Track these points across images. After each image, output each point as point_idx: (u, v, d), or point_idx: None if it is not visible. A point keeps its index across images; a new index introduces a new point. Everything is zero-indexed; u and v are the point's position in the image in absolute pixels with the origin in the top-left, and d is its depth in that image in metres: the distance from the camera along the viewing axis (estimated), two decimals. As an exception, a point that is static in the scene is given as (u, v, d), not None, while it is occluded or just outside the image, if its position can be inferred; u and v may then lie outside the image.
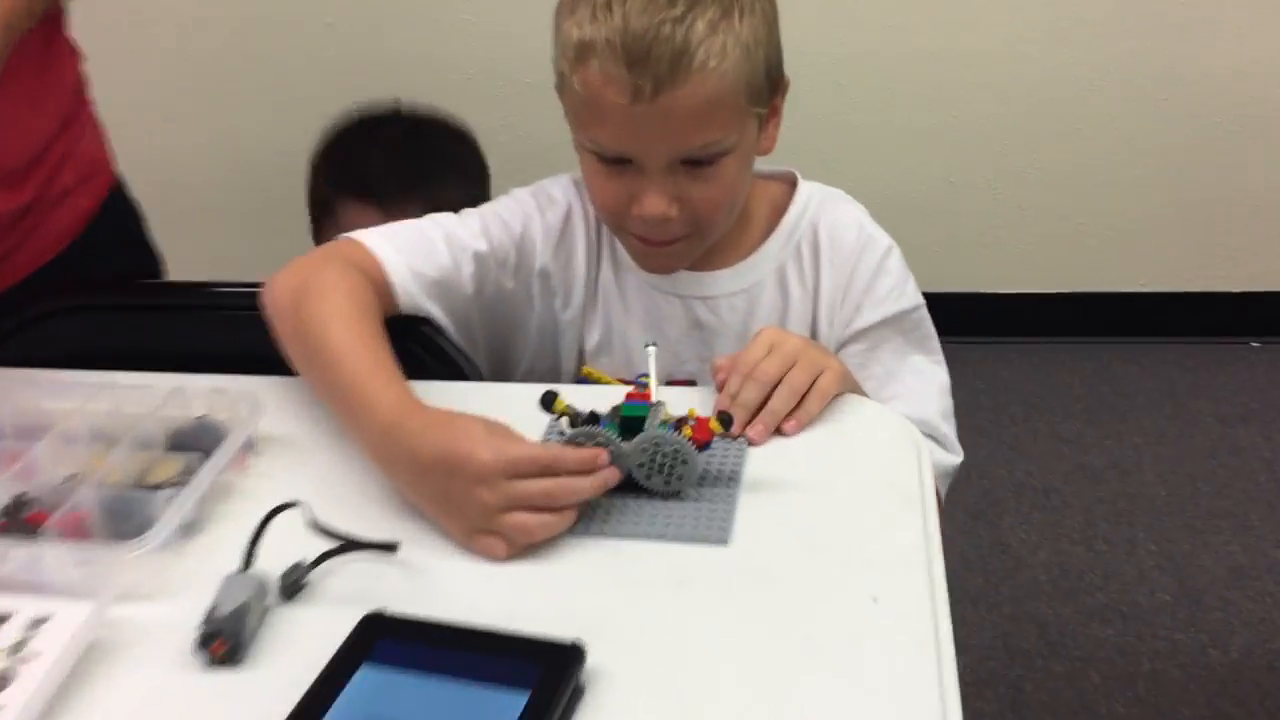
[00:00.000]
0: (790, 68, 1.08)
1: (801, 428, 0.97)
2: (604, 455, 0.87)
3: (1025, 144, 2.51)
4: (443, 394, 0.96)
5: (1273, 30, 2.39)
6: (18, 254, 1.26)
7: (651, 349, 0.99)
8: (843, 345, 1.14)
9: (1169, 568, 2.05)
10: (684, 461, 0.89)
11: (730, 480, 0.92)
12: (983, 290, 2.66)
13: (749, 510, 0.90)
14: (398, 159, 1.60)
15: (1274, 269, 2.63)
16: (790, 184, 1.17)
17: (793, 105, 1.11)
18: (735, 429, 0.96)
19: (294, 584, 0.83)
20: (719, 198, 1.05)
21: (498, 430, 0.88)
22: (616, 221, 1.08)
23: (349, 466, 0.96)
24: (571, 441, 0.89)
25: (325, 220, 1.61)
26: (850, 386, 1.02)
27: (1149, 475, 2.28)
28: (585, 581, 0.84)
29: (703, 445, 0.90)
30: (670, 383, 1.16)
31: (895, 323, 1.13)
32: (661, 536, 0.87)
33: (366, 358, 0.95)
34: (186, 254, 1.50)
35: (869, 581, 0.82)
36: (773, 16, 1.04)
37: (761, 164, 1.12)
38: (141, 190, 1.43)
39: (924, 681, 0.74)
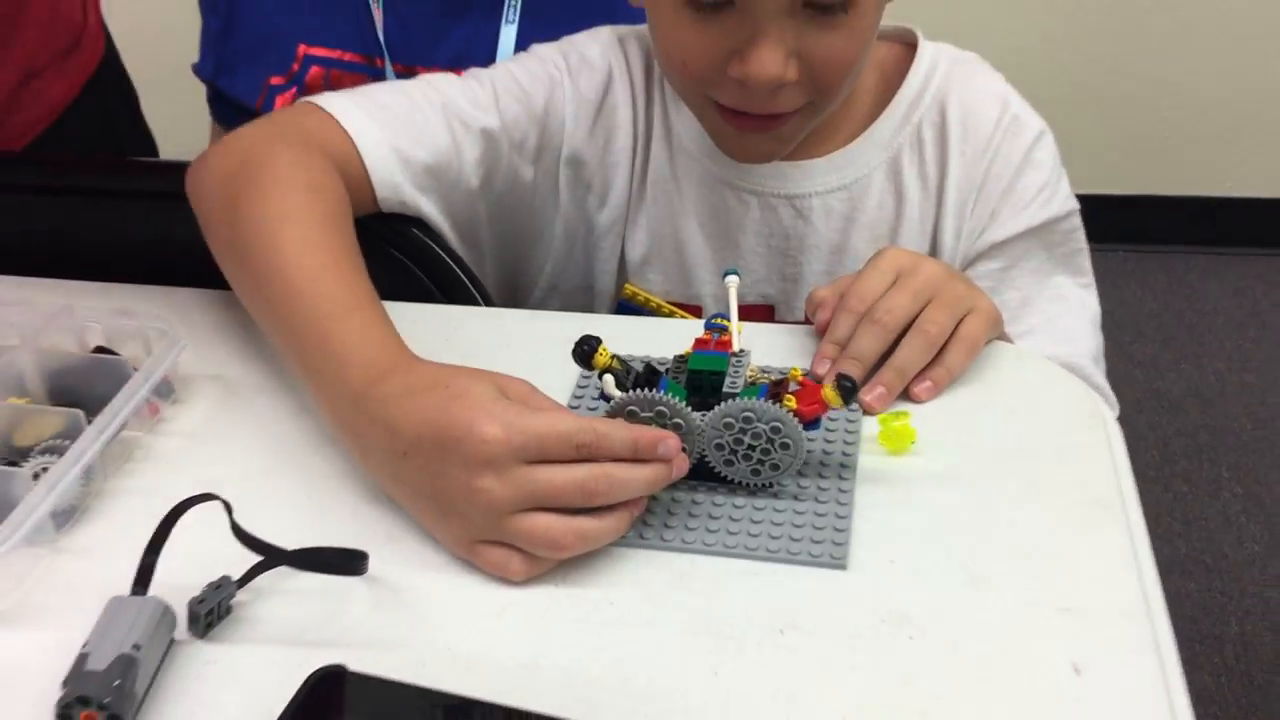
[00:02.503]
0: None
1: (940, 391, 0.71)
2: (673, 439, 0.60)
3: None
4: (433, 321, 0.77)
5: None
6: None
7: (733, 279, 0.72)
8: (970, 263, 0.89)
9: (1257, 513, 1.84)
10: (783, 445, 0.62)
11: (842, 470, 0.65)
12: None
13: (870, 515, 0.63)
14: None
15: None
16: (908, 45, 0.89)
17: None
18: None
19: (211, 615, 0.57)
20: (850, 55, 0.78)
21: (515, 391, 0.61)
22: (702, 89, 0.80)
23: (307, 426, 0.69)
24: (618, 412, 0.62)
25: None
26: (1000, 332, 0.75)
27: (1233, 406, 2.07)
28: (638, 620, 0.58)
29: (810, 422, 0.63)
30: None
31: (1042, 234, 0.88)
32: (747, 553, 0.61)
33: (334, 287, 0.68)
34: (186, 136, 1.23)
35: (1061, 640, 0.56)
36: None
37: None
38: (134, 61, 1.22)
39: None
